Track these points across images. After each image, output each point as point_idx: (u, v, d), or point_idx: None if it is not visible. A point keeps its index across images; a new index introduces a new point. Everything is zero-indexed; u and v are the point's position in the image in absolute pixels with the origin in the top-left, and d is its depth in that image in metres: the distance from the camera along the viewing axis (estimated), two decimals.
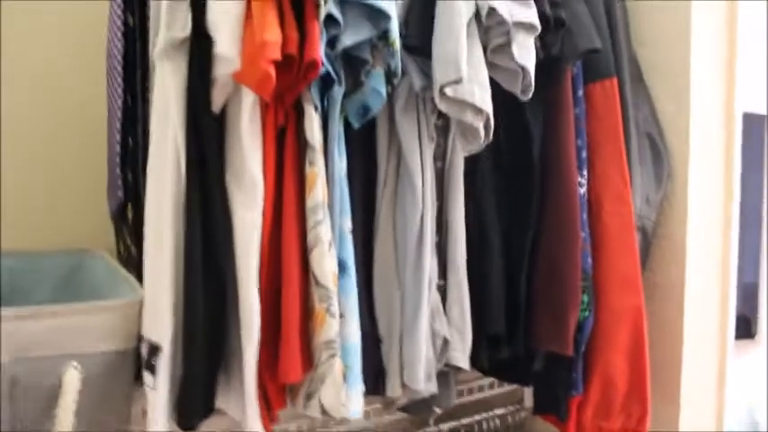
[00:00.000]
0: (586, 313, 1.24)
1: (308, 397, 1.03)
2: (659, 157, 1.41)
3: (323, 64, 0.93)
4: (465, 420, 1.56)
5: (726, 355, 1.47)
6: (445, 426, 1.54)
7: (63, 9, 1.52)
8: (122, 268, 1.26)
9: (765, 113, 4.54)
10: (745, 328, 4.95)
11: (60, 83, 1.52)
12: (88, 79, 1.46)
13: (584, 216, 1.25)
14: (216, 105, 0.99)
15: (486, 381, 1.56)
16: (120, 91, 1.19)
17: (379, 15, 0.97)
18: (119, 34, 1.19)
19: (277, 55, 0.88)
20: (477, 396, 1.56)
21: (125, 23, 1.19)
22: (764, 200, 4.89)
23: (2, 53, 1.47)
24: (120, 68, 1.19)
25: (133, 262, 1.23)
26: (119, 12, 1.18)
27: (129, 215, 1.24)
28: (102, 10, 1.34)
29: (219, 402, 1.06)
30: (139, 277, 1.16)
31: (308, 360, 1.01)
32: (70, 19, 1.52)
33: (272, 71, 0.89)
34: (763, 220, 4.90)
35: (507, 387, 1.59)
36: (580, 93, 1.28)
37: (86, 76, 1.48)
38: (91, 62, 1.44)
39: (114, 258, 1.32)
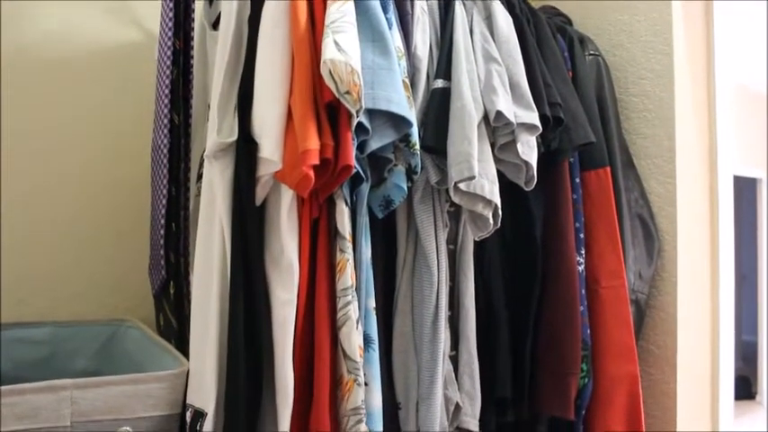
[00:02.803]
0: (586, 380, 1.35)
1: None
2: (650, 235, 1.55)
3: (354, 167, 1.07)
4: None
5: (718, 414, 1.57)
6: None
7: (106, 101, 1.67)
8: (156, 336, 1.38)
9: (756, 177, 4.70)
10: (746, 389, 4.99)
11: (107, 169, 1.66)
12: (131, 166, 1.61)
13: (583, 291, 1.38)
14: (258, 199, 1.12)
15: None
16: (165, 182, 1.33)
17: (401, 122, 1.11)
18: (165, 131, 1.33)
19: (316, 161, 1.02)
20: None
21: (171, 121, 1.33)
22: (760, 259, 5.00)
23: (51, 137, 1.61)
24: (165, 161, 1.33)
25: (173, 333, 1.35)
26: (165, 111, 1.33)
27: (171, 291, 1.36)
28: (144, 99, 1.49)
29: None
30: (178, 346, 1.29)
31: (336, 423, 1.12)
32: (115, 111, 1.67)
33: (312, 174, 1.03)
34: (760, 279, 5.00)
35: None
36: (577, 180, 1.42)
37: (128, 163, 1.62)
38: (132, 153, 1.59)
39: (148, 328, 1.44)
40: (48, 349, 1.50)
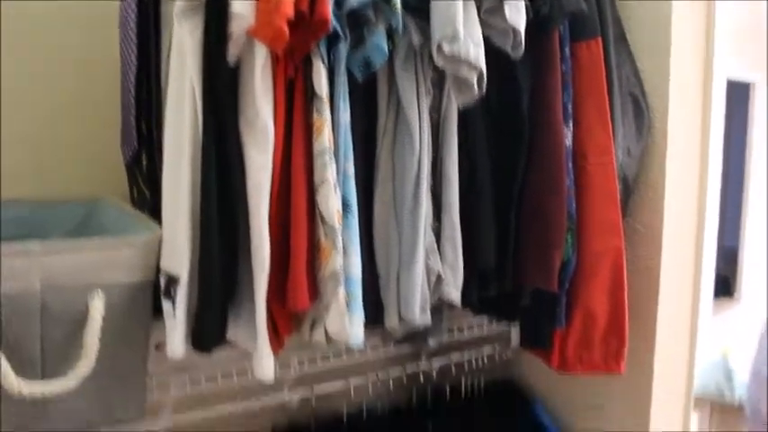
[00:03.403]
0: (570, 253, 1.33)
1: (314, 325, 1.13)
2: (640, 112, 1.50)
3: (331, 22, 1.01)
4: (455, 358, 1.67)
5: (699, 295, 1.56)
6: (436, 363, 1.64)
7: None
8: (130, 209, 1.34)
9: (750, 81, 4.62)
10: (725, 288, 5.14)
11: (71, 33, 1.58)
12: (100, 31, 1.52)
13: (570, 165, 1.34)
14: (230, 57, 1.06)
15: (476, 321, 1.66)
16: (133, 46, 1.26)
17: None
18: None
19: (290, 13, 0.96)
20: (467, 336, 1.66)
21: None
22: (746, 168, 5.01)
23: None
24: (133, 25, 1.26)
25: (147, 205, 1.31)
26: None
27: (144, 162, 1.32)
28: None
29: (229, 335, 1.15)
30: (153, 217, 1.25)
31: (314, 290, 1.10)
32: None
33: (286, 28, 0.96)
34: (746, 187, 5.03)
35: (495, 328, 1.69)
36: (567, 51, 1.35)
37: (98, 28, 1.54)
38: (102, 16, 1.51)
39: (124, 202, 1.40)
40: (23, 229, 1.46)
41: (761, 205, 4.71)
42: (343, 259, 1.09)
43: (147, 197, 1.30)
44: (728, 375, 2.98)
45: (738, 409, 2.98)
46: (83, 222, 1.49)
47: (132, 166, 1.35)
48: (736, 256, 5.21)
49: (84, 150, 1.61)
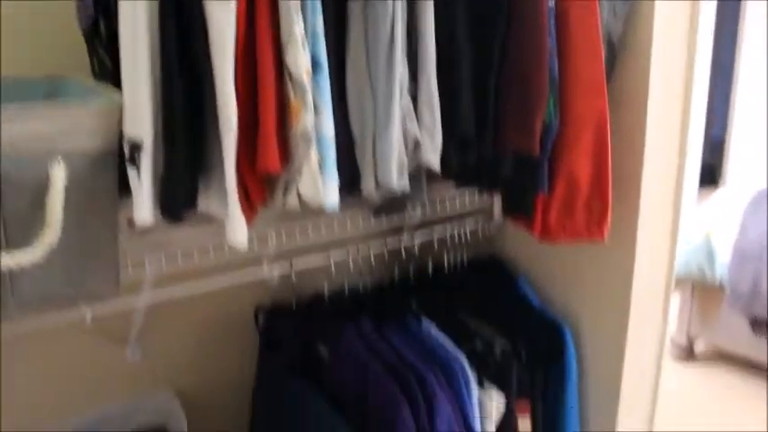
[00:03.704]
0: (552, 116, 1.27)
1: (286, 189, 1.09)
2: None
3: None
4: (437, 233, 1.64)
5: (684, 162, 1.53)
6: (418, 238, 1.62)
7: None
8: (99, 83, 1.28)
9: None
10: (711, 176, 5.19)
11: None
12: None
13: (552, 24, 1.27)
14: None
15: (458, 193, 1.63)
16: None
17: None
18: None
19: None
20: (449, 210, 1.63)
21: None
22: (736, 59, 4.91)
23: None
24: None
25: (108, 74, 1.25)
26: None
27: (102, 28, 1.24)
28: None
29: (201, 206, 1.12)
30: (117, 88, 1.19)
31: (286, 153, 1.06)
32: None
33: None
34: (735, 79, 4.96)
35: (477, 202, 1.67)
36: None
37: None
38: None
39: (88, 77, 1.33)
40: None
41: (750, 96, 4.66)
42: (315, 119, 1.04)
43: (108, 66, 1.23)
44: (710, 256, 3.00)
45: (719, 288, 3.01)
46: (45, 99, 1.43)
47: (91, 35, 1.28)
48: (722, 145, 5.22)
49: (45, 26, 1.52)
